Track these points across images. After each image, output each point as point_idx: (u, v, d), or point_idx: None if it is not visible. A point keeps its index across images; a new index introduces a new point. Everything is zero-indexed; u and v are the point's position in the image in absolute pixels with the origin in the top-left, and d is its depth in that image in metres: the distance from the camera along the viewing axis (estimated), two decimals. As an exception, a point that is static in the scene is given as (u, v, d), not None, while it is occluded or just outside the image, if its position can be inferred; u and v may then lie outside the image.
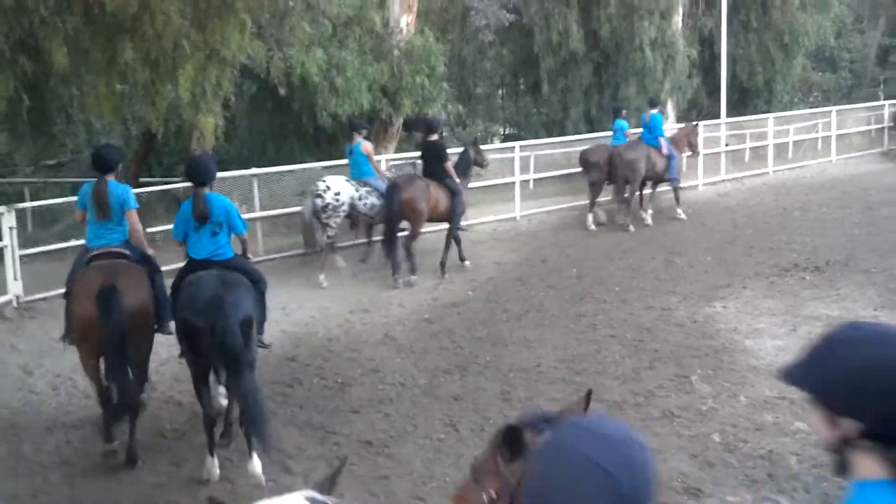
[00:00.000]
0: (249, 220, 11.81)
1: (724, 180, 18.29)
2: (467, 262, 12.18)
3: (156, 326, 6.76)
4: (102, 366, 6.43)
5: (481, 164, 12.96)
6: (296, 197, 12.98)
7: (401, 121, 16.11)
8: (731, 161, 19.09)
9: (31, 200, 13.81)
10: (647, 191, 15.06)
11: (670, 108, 21.67)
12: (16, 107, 10.71)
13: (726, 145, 18.99)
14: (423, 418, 6.98)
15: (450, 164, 11.85)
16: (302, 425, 6.91)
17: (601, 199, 14.87)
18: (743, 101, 24.19)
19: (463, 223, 12.33)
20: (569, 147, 16.65)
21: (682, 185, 15.28)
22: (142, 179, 15.15)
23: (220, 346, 5.74)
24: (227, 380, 6.26)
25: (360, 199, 11.59)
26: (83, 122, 15.67)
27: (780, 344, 8.35)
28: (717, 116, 20.62)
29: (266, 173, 12.63)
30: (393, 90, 15.05)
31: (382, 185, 11.68)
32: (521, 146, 16.06)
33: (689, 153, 15.87)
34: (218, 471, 6.03)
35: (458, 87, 22.67)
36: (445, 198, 11.66)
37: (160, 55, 10.25)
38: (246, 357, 5.80)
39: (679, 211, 14.93)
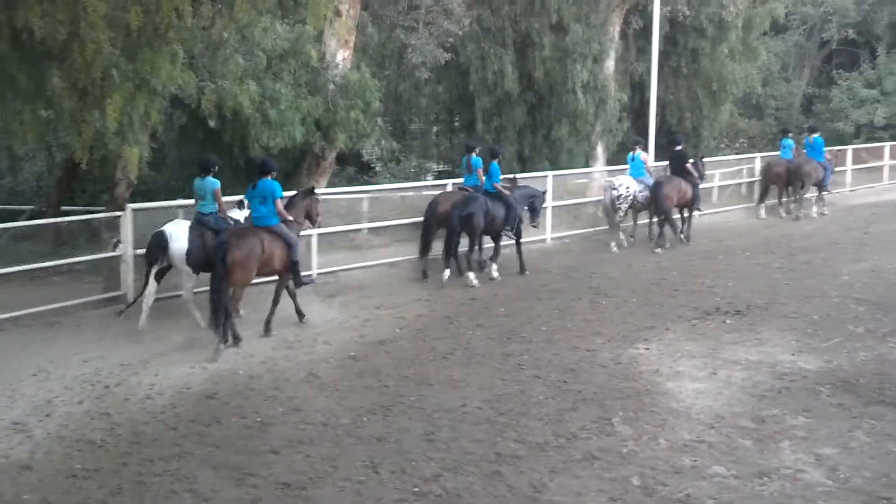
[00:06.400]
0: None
1: (650, 223, 18.60)
2: (688, 241, 16.90)
3: None
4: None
5: (700, 171, 17.58)
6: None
7: (333, 155, 16.04)
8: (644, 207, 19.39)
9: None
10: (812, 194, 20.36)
11: (600, 151, 22.03)
12: (-63, 131, 10.42)
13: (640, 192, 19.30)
14: (345, 460, 6.90)
15: (689, 166, 17.02)
16: (218, 466, 6.77)
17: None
18: (671, 146, 24.71)
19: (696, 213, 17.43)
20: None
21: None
22: (64, 208, 14.77)
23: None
24: None
25: (639, 192, 16.35)
26: (6, 148, 15.24)
27: (700, 387, 8.49)
28: (646, 160, 21.02)
29: (193, 205, 12.38)
30: (327, 124, 14.97)
31: (652, 182, 16.49)
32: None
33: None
34: None
35: (393, 123, 22.67)
36: (689, 189, 16.67)
37: (88, 83, 10.07)
38: None
39: (825, 209, 20.35)
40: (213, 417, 7.85)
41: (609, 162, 21.87)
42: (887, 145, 26.94)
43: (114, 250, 11.72)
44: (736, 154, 26.79)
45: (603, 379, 8.83)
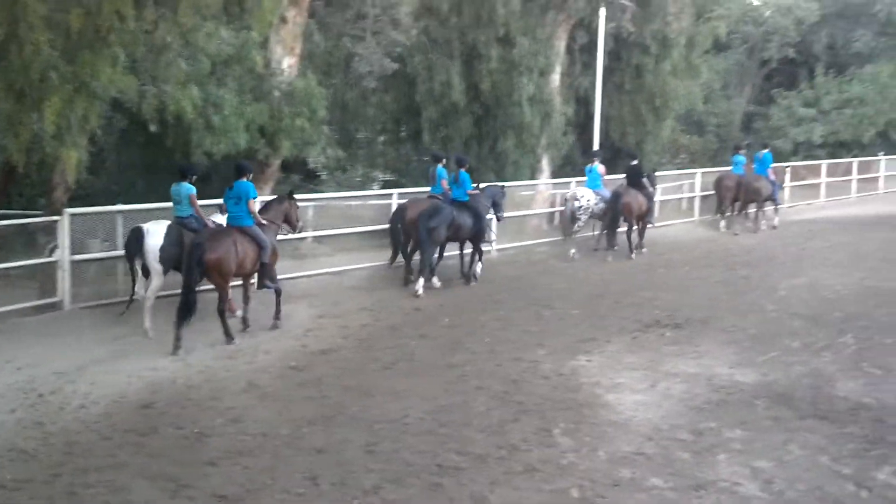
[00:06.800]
0: (112, 258, 11.52)
1: (593, 236, 18.81)
2: (645, 250, 17.53)
3: None
4: None
5: (653, 184, 18.66)
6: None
7: (278, 162, 15.92)
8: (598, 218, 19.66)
9: None
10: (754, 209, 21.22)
11: (546, 164, 22.20)
12: None
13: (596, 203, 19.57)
14: (284, 471, 6.81)
15: (646, 180, 17.80)
16: (154, 477, 6.63)
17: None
18: (614, 160, 25.02)
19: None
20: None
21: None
22: (0, 211, 14.35)
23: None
24: None
25: (596, 203, 17.24)
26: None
27: (640, 399, 8.57)
28: (590, 173, 21.24)
29: (132, 210, 12.14)
30: (272, 131, 14.88)
31: (607, 194, 17.31)
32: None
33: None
34: None
35: (339, 132, 22.55)
36: (646, 202, 17.43)
37: (26, 85, 9.86)
38: None
39: (776, 221, 21.23)
40: (150, 427, 7.70)
41: (554, 175, 22.06)
42: (824, 163, 27.64)
43: (50, 255, 11.46)
44: (677, 169, 27.25)
45: (545, 390, 8.87)
